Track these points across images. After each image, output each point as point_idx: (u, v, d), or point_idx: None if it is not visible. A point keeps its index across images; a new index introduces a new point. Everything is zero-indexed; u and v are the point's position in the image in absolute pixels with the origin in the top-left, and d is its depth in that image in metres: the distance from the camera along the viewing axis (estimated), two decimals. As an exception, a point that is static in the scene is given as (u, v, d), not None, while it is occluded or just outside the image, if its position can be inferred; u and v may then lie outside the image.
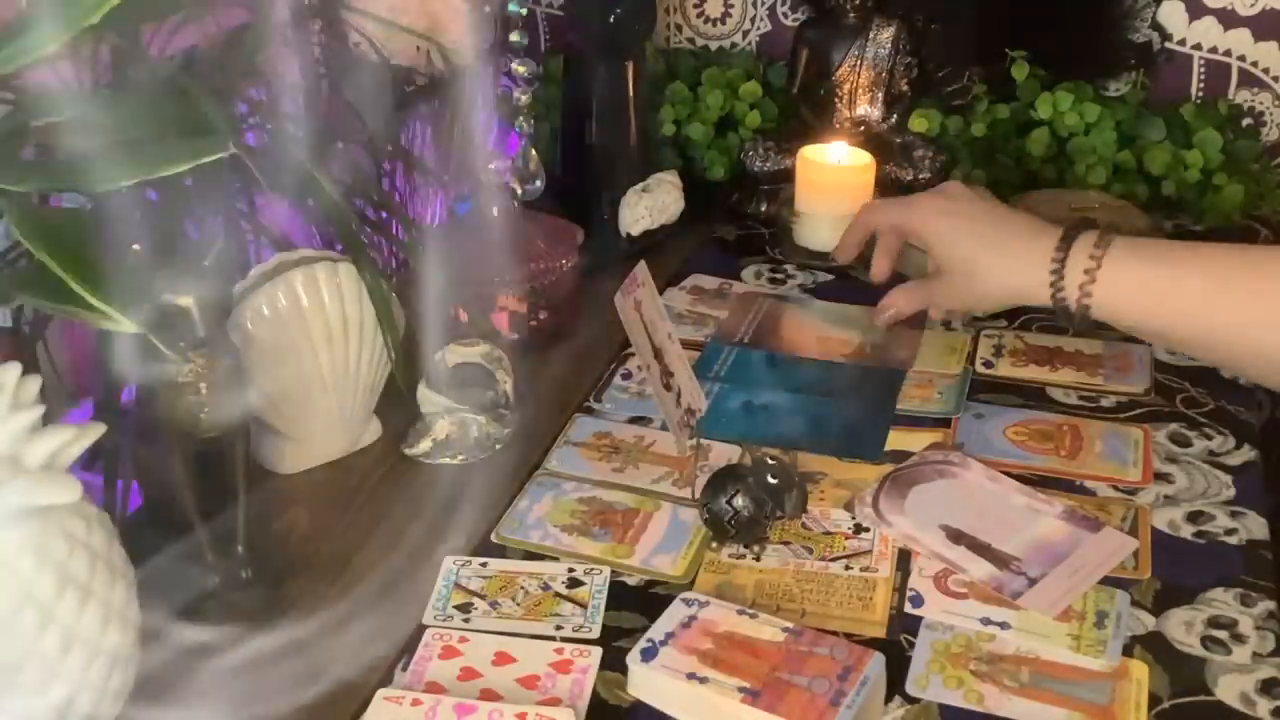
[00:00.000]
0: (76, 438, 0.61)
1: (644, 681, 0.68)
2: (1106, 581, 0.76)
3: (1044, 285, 0.83)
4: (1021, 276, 0.85)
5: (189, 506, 0.73)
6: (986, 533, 0.79)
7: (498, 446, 0.90)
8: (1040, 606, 0.74)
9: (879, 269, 0.97)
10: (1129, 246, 0.81)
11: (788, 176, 1.21)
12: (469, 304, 0.99)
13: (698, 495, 0.80)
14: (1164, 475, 0.86)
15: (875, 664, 0.67)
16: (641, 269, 0.82)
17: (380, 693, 0.67)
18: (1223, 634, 0.73)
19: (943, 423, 0.92)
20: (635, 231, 1.18)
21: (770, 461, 0.79)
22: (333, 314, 0.84)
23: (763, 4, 1.41)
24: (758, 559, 0.79)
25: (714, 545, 0.80)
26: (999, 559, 0.77)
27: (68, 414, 0.93)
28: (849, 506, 0.83)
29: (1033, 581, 0.76)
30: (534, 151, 1.19)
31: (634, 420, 0.94)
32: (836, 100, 1.27)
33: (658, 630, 0.70)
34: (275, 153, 0.87)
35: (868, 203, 1.02)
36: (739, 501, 0.78)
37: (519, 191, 1.13)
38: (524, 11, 1.17)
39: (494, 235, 1.02)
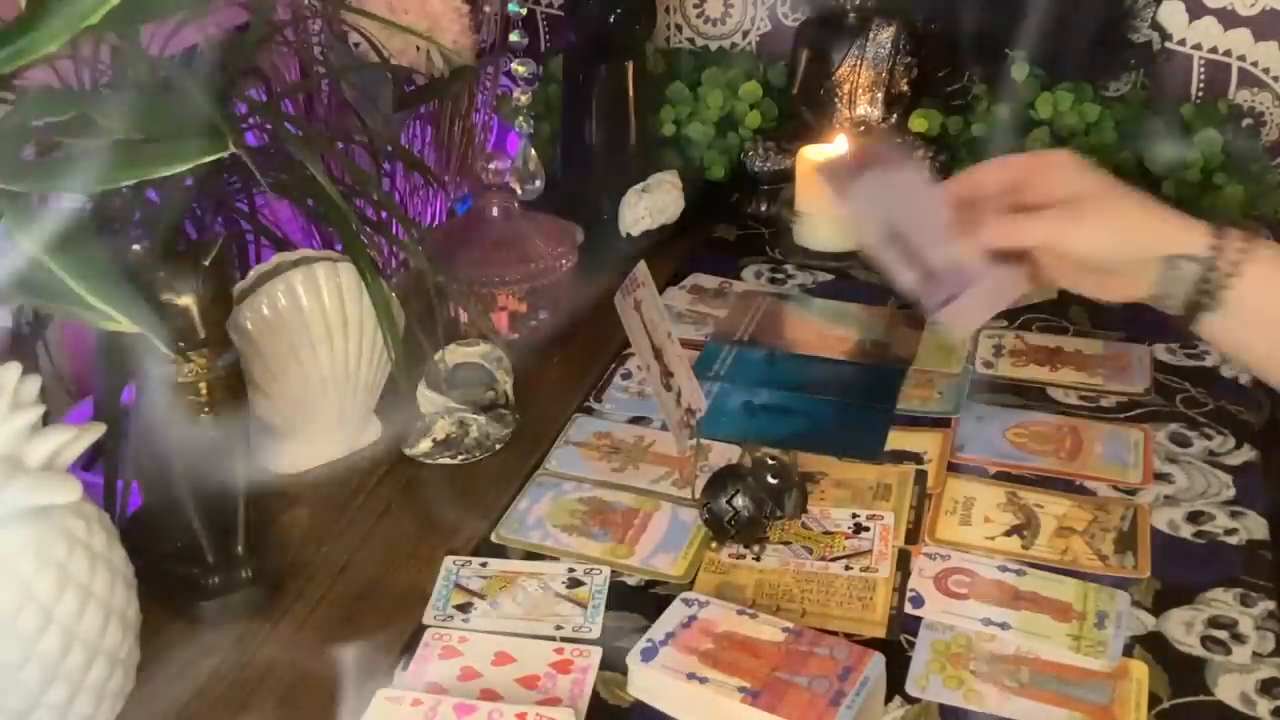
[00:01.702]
0: (76, 438, 0.61)
1: (644, 681, 0.68)
2: (1106, 581, 0.76)
3: (1201, 241, 0.76)
4: (1171, 228, 0.78)
5: (189, 506, 0.73)
6: (919, 239, 0.78)
7: (498, 446, 0.90)
8: (955, 322, 0.77)
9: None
10: (1277, 245, 0.77)
11: (788, 176, 1.21)
12: (469, 304, 0.99)
13: (698, 495, 0.80)
14: (1164, 475, 0.86)
15: (875, 664, 0.67)
16: (641, 269, 0.82)
17: (380, 693, 0.67)
18: (1223, 634, 0.73)
19: (943, 423, 0.92)
20: (635, 231, 1.18)
21: (770, 461, 0.80)
22: (333, 314, 0.84)
23: (763, 4, 1.41)
24: (758, 559, 0.79)
25: (714, 545, 0.80)
26: (926, 270, 0.78)
27: (68, 414, 0.93)
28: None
29: (949, 299, 0.77)
30: (534, 151, 1.19)
31: (634, 420, 0.94)
32: (836, 100, 1.27)
33: (658, 630, 0.70)
34: (275, 153, 0.87)
35: (983, 166, 0.84)
36: (739, 501, 0.78)
37: (519, 191, 1.13)
38: (524, 11, 1.17)
39: (494, 235, 1.02)
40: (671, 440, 0.84)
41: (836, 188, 0.82)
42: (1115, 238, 0.78)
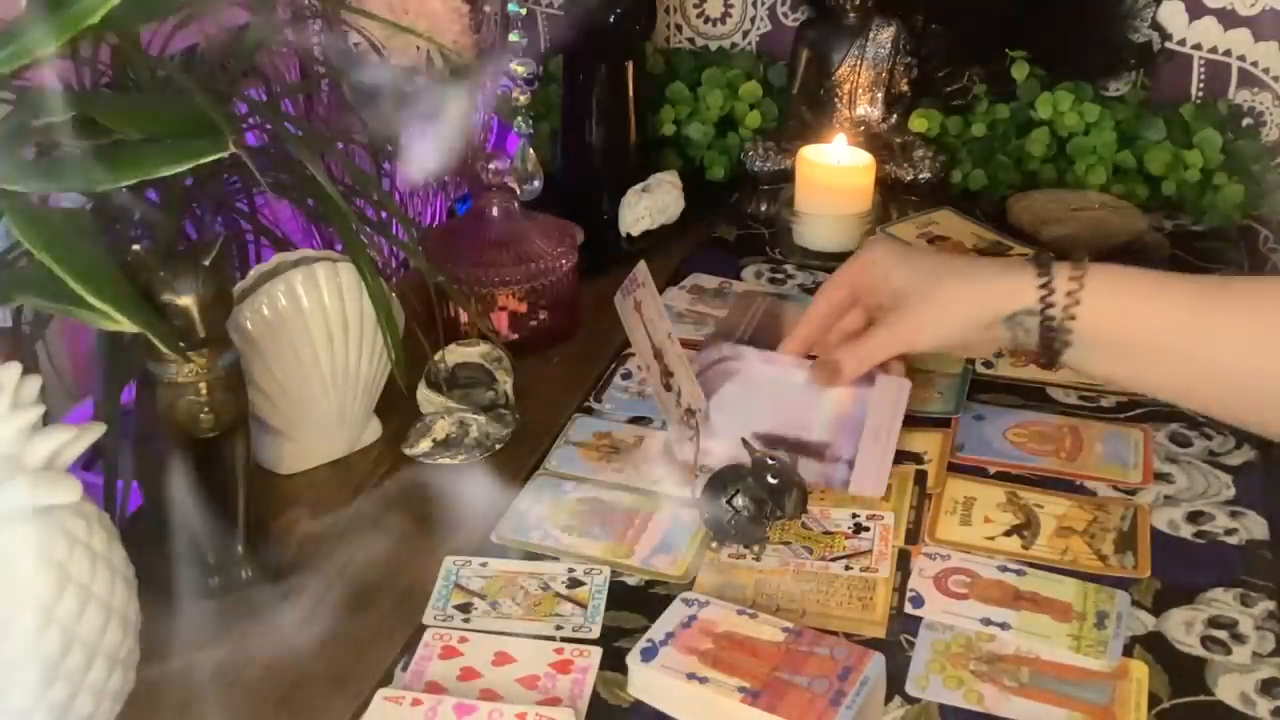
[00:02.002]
0: (76, 438, 0.61)
1: (644, 681, 0.68)
2: (1106, 581, 0.76)
3: (1029, 292, 0.76)
4: (996, 290, 0.78)
5: (189, 506, 0.73)
6: (794, 426, 0.84)
7: (498, 446, 0.90)
8: (866, 490, 0.82)
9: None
10: (1108, 268, 0.77)
11: (788, 176, 1.21)
12: (469, 304, 0.99)
13: (698, 495, 0.80)
14: (1164, 475, 0.86)
15: (875, 664, 0.67)
16: (641, 269, 0.82)
17: (380, 693, 0.67)
18: (1223, 634, 0.73)
19: (943, 423, 0.92)
20: (635, 231, 1.18)
21: (770, 461, 0.79)
22: (333, 314, 0.84)
23: (763, 4, 1.41)
24: (758, 559, 0.79)
25: (714, 546, 0.80)
26: (816, 452, 0.83)
27: (68, 414, 0.93)
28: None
29: (850, 464, 0.82)
30: (533, 151, 1.19)
31: (634, 420, 0.94)
32: (836, 100, 1.27)
33: (658, 630, 0.70)
34: (275, 153, 0.87)
35: (820, 291, 0.88)
36: (739, 502, 0.78)
37: (519, 191, 1.13)
38: (524, 11, 1.17)
39: (494, 235, 1.02)
40: (671, 440, 0.84)
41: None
42: (949, 325, 0.80)
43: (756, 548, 0.79)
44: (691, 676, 0.66)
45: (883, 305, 0.83)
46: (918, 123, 1.29)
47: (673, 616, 0.71)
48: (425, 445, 0.89)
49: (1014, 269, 0.78)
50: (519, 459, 0.89)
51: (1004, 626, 0.73)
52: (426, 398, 0.91)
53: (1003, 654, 0.71)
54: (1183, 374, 0.77)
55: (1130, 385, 0.83)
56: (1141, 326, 0.75)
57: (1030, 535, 0.80)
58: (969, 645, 0.72)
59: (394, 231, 1.02)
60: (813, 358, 0.85)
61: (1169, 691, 0.69)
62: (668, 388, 0.81)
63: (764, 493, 0.79)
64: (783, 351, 0.87)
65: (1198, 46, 1.30)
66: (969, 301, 0.79)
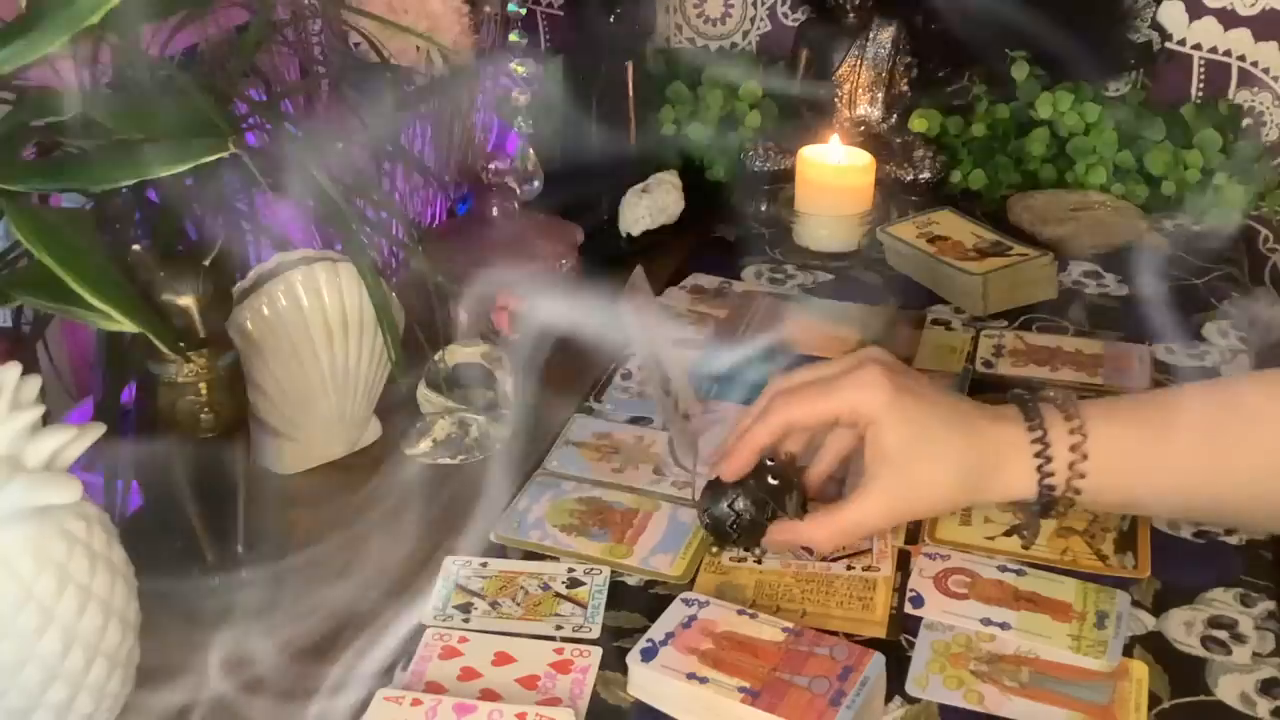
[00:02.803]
0: (76, 438, 0.61)
1: (644, 681, 0.68)
2: (1107, 581, 0.76)
3: (1026, 471, 0.69)
4: (987, 463, 0.70)
5: (189, 506, 0.73)
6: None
7: (498, 446, 0.90)
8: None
9: (819, 476, 0.77)
10: (1104, 413, 0.70)
11: (788, 176, 1.21)
12: (469, 304, 0.99)
13: (697, 498, 0.80)
14: (1164, 475, 0.86)
15: (875, 664, 0.67)
16: (638, 274, 0.82)
17: (380, 693, 0.67)
18: (1223, 634, 0.72)
19: (943, 423, 0.92)
20: (635, 231, 1.18)
21: (769, 463, 0.79)
22: (333, 314, 0.84)
23: (763, 4, 1.41)
24: (759, 561, 0.79)
25: (714, 550, 0.80)
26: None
27: (68, 414, 0.93)
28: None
29: (840, 483, 0.80)
30: (533, 151, 1.19)
31: (634, 420, 0.94)
32: (836, 100, 1.27)
33: (658, 630, 0.70)
34: (275, 153, 0.87)
35: (773, 391, 0.76)
36: (740, 505, 0.77)
37: (519, 191, 1.13)
38: (524, 11, 1.17)
39: (494, 235, 1.02)
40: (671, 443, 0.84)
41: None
42: (940, 506, 0.75)
43: (758, 550, 0.79)
44: (691, 676, 0.66)
45: (861, 452, 0.73)
46: (918, 123, 1.29)
47: (673, 616, 0.71)
48: (425, 445, 0.89)
49: (1007, 428, 0.70)
50: (519, 459, 0.89)
51: (1004, 626, 0.73)
52: (426, 398, 0.91)
53: (1003, 654, 0.71)
54: (1190, 510, 0.76)
55: (1143, 512, 0.78)
56: (1145, 486, 0.71)
57: (1030, 535, 0.80)
58: (969, 645, 0.72)
59: (394, 231, 1.02)
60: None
61: (1169, 691, 0.69)
62: (667, 392, 0.81)
63: (765, 494, 0.78)
64: (723, 475, 0.77)
65: (1198, 46, 1.29)
66: (955, 492, 0.72)
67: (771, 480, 0.78)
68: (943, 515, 0.79)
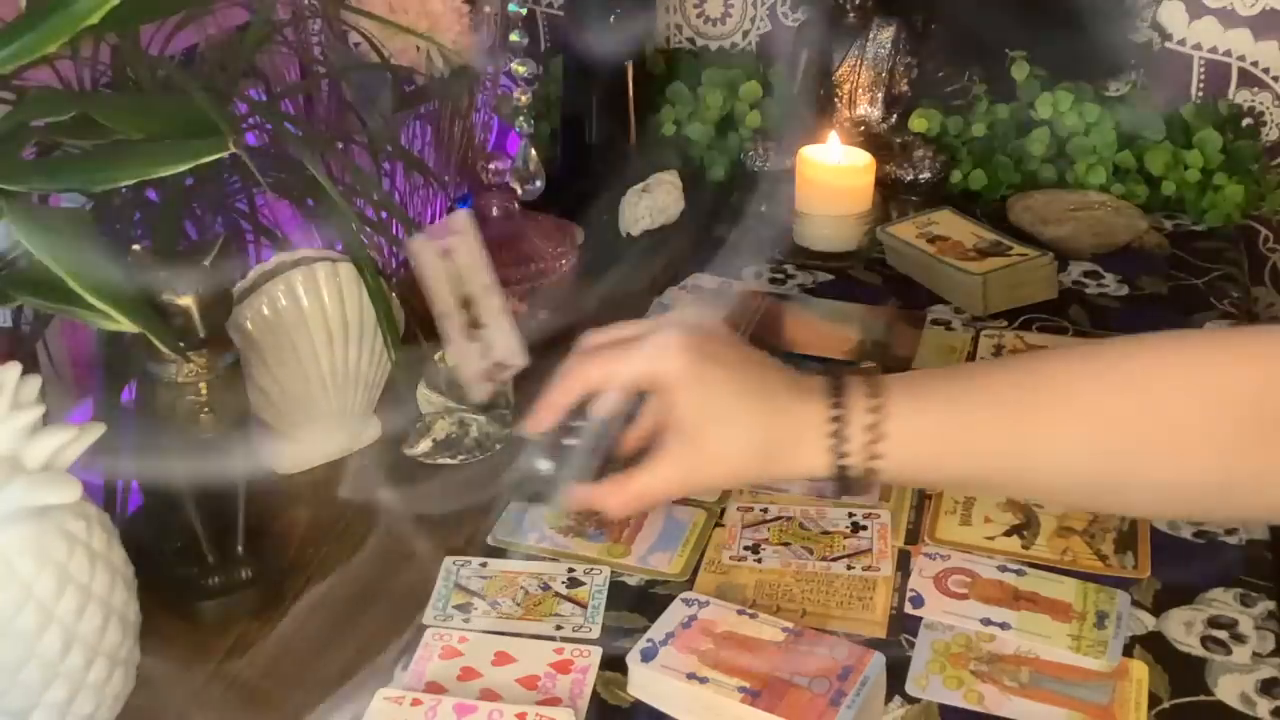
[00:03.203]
0: (76, 438, 0.61)
1: (644, 681, 0.68)
2: (1107, 581, 0.76)
3: (820, 450, 0.65)
4: (783, 438, 0.66)
5: (189, 506, 0.73)
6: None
7: (498, 446, 0.90)
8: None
9: (635, 440, 0.71)
10: (909, 391, 0.65)
11: (788, 176, 1.21)
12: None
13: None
14: (1164, 475, 0.86)
15: (875, 664, 0.67)
16: (460, 217, 0.81)
17: (380, 693, 0.67)
18: (1223, 634, 0.73)
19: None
20: (635, 231, 1.18)
21: (576, 423, 0.71)
22: (333, 314, 0.84)
23: (763, 4, 1.41)
24: (759, 560, 0.79)
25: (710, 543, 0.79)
26: None
27: (68, 414, 0.93)
28: None
29: None
30: (534, 151, 1.19)
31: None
32: (836, 100, 1.27)
33: (658, 630, 0.70)
34: (275, 153, 0.87)
35: (578, 356, 0.72)
36: (541, 464, 0.71)
37: (519, 191, 1.13)
38: (524, 11, 1.17)
39: (494, 235, 1.02)
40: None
41: None
42: (734, 476, 0.71)
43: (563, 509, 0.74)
44: (691, 676, 0.66)
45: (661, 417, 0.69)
46: (918, 123, 1.29)
47: (673, 616, 0.71)
48: (425, 445, 0.89)
49: (803, 425, 0.66)
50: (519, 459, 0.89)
51: (1004, 626, 0.73)
52: (426, 398, 0.91)
53: (1003, 654, 0.71)
54: (1010, 487, 0.73)
55: (949, 489, 0.76)
56: (945, 466, 0.66)
57: (1030, 535, 0.80)
58: (969, 645, 0.72)
59: (394, 231, 1.02)
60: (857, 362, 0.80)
61: (1169, 691, 0.69)
62: (471, 339, 0.80)
63: (562, 454, 0.71)
64: (529, 429, 0.73)
65: (1198, 46, 1.29)
66: (748, 465, 0.68)
67: (570, 440, 0.71)
68: (739, 486, 0.77)
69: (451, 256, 0.79)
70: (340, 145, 1.05)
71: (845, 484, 0.66)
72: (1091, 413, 0.62)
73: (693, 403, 0.66)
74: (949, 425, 0.64)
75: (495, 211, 1.02)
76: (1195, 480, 0.61)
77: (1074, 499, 0.74)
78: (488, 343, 0.80)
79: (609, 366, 0.69)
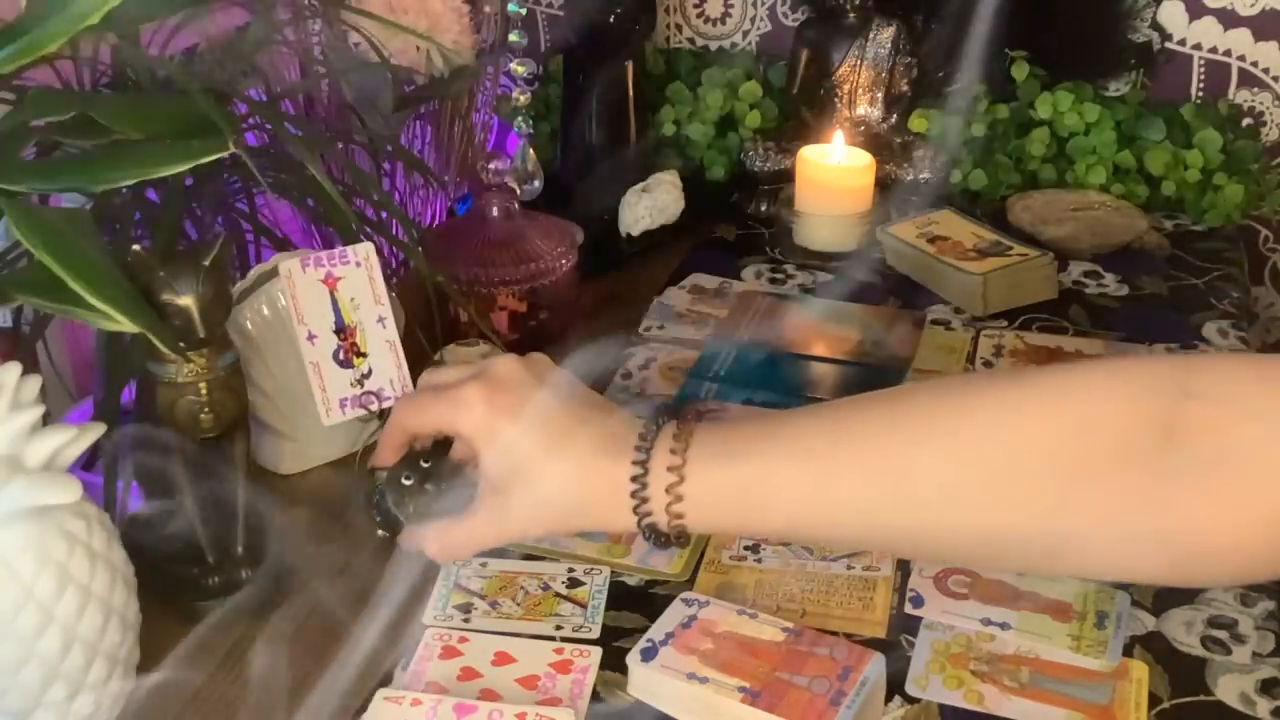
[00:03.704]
0: (76, 438, 0.61)
1: (644, 681, 0.68)
2: (1106, 581, 0.76)
3: (625, 512, 0.64)
4: (589, 497, 0.64)
5: (189, 506, 0.73)
6: None
7: (498, 446, 0.90)
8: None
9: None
10: (713, 447, 0.63)
11: (788, 176, 1.21)
12: (469, 304, 0.99)
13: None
14: (1164, 475, 0.86)
15: (875, 664, 0.67)
16: (364, 249, 0.81)
17: (380, 693, 0.67)
18: (1223, 634, 0.73)
19: (943, 423, 0.92)
20: (635, 231, 1.18)
21: (423, 464, 0.71)
22: (333, 314, 0.84)
23: (763, 4, 1.41)
24: (759, 560, 0.79)
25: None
26: None
27: (68, 414, 0.93)
28: None
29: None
30: (533, 151, 1.19)
31: (634, 420, 0.94)
32: (836, 100, 1.27)
33: (658, 630, 0.70)
34: (275, 153, 0.87)
35: (403, 401, 0.74)
36: (383, 500, 0.71)
37: (519, 191, 1.13)
38: (524, 11, 1.17)
39: (494, 235, 1.02)
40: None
41: None
42: (541, 534, 0.71)
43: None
44: (691, 676, 0.66)
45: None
46: (918, 123, 1.29)
47: (673, 616, 0.71)
48: (424, 445, 0.89)
49: (606, 484, 0.64)
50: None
51: (1004, 626, 0.73)
52: (426, 398, 0.90)
53: (1003, 654, 0.71)
54: (816, 539, 0.72)
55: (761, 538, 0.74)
56: (749, 522, 0.66)
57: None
58: (969, 645, 0.72)
59: (394, 231, 1.02)
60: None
61: (1169, 691, 0.69)
62: (344, 365, 0.81)
63: (396, 493, 0.70)
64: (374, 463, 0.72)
65: (1198, 46, 1.30)
66: (560, 519, 0.67)
67: (404, 481, 0.71)
68: (553, 536, 0.76)
69: (336, 285, 0.80)
70: (340, 145, 1.05)
71: (658, 538, 0.65)
72: (894, 463, 0.60)
73: (493, 460, 0.65)
74: (750, 480, 0.62)
75: (495, 211, 1.02)
76: (1008, 534, 0.58)
77: (885, 549, 0.73)
78: (364, 371, 0.82)
79: (420, 414, 0.69)
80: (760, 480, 0.62)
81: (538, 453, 0.64)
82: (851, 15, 1.25)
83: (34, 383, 0.61)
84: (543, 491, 0.65)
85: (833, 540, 0.71)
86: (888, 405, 0.63)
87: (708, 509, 0.63)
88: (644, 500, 0.63)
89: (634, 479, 0.63)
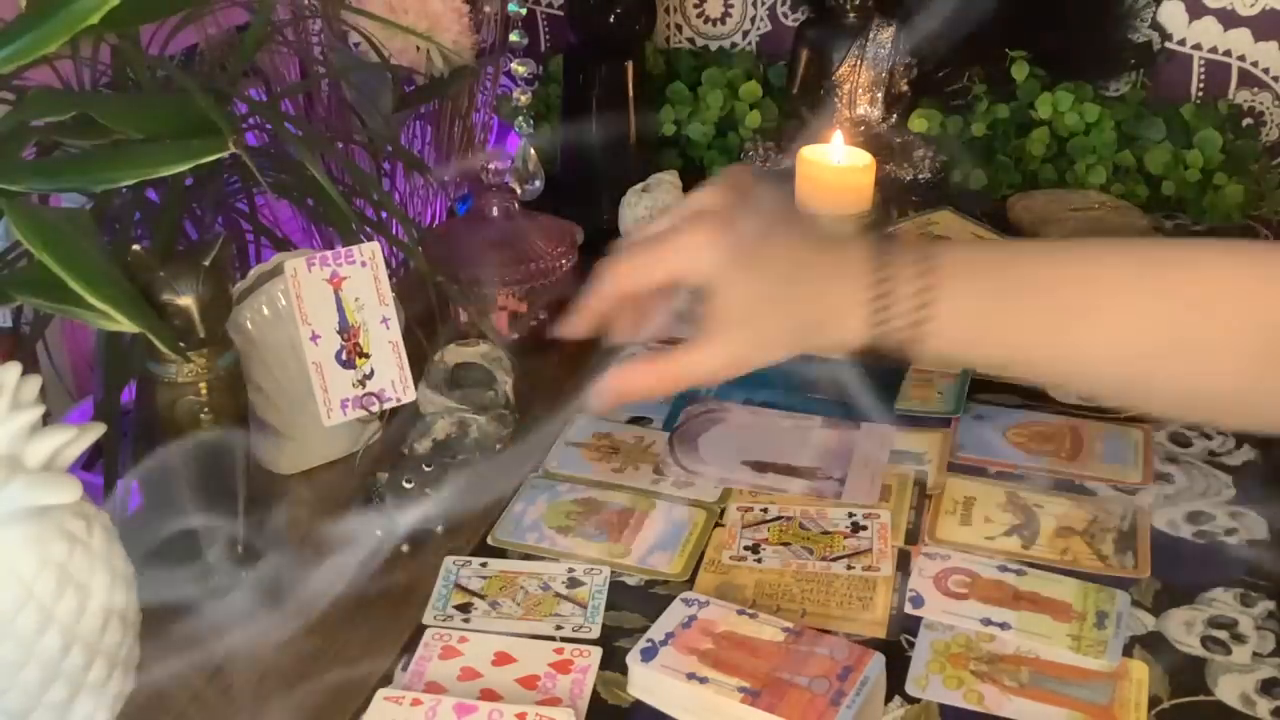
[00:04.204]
0: (76, 438, 0.61)
1: (644, 681, 0.68)
2: (1107, 581, 0.76)
3: (863, 329, 0.65)
4: (824, 317, 0.66)
5: (189, 506, 0.73)
6: (782, 456, 0.88)
7: (498, 447, 0.90)
8: (860, 498, 0.83)
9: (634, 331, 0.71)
10: (963, 268, 0.65)
11: (788, 176, 1.21)
12: (469, 304, 0.99)
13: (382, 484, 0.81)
14: (1164, 475, 0.86)
15: (875, 664, 0.67)
16: (368, 249, 0.82)
17: (380, 693, 0.67)
18: (1223, 634, 0.73)
19: (943, 422, 0.92)
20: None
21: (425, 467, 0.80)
22: (333, 314, 0.84)
23: (763, 4, 1.41)
24: (759, 560, 0.79)
25: (710, 543, 0.80)
26: (805, 473, 0.86)
27: (68, 414, 0.93)
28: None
29: (841, 481, 0.85)
30: (534, 151, 1.19)
31: (634, 420, 0.94)
32: (836, 100, 1.27)
33: (658, 630, 0.70)
34: (275, 153, 0.87)
35: (612, 260, 0.69)
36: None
37: (519, 191, 1.13)
38: (524, 11, 1.17)
39: (494, 235, 1.02)
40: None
41: None
42: (774, 359, 0.68)
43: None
44: (691, 676, 0.66)
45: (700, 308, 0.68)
46: (918, 123, 1.29)
47: (673, 616, 0.71)
48: (425, 445, 0.89)
49: (848, 304, 0.65)
50: (519, 459, 0.89)
51: (1004, 626, 0.73)
52: (426, 398, 0.90)
53: (1003, 654, 0.71)
54: (1041, 377, 0.75)
55: (990, 371, 0.75)
56: (984, 348, 0.66)
57: (1030, 535, 0.80)
58: (969, 645, 0.72)
59: (394, 231, 1.02)
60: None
61: (1169, 691, 0.69)
62: (346, 365, 0.82)
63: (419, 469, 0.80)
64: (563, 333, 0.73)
65: (1198, 46, 1.29)
66: (780, 334, 0.67)
67: (405, 484, 0.80)
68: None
69: (340, 284, 0.80)
70: (340, 145, 1.05)
71: (877, 356, 0.66)
72: (1129, 314, 0.64)
73: (739, 297, 0.66)
74: (994, 311, 0.65)
75: (495, 211, 1.02)
76: (1217, 389, 0.63)
77: (1101, 393, 0.75)
78: (366, 372, 0.82)
79: (641, 270, 0.68)
80: (1003, 311, 0.65)
81: (781, 283, 0.66)
82: (851, 15, 1.25)
83: (34, 383, 0.61)
84: (786, 318, 0.67)
85: (1053, 377, 0.74)
86: (1133, 260, 0.66)
87: (951, 330, 0.65)
88: (884, 321, 0.65)
89: (878, 296, 0.64)
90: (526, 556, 0.80)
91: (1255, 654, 0.71)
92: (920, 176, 1.25)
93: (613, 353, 0.74)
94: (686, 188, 1.21)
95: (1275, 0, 1.26)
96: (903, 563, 0.78)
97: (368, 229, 0.93)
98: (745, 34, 1.42)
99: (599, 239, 1.13)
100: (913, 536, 0.81)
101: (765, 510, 0.83)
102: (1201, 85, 1.30)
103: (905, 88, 1.27)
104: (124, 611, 0.63)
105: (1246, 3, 1.27)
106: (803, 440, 0.90)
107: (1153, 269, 0.65)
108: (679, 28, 1.44)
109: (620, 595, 0.76)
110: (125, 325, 0.59)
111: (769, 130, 1.33)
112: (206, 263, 0.69)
